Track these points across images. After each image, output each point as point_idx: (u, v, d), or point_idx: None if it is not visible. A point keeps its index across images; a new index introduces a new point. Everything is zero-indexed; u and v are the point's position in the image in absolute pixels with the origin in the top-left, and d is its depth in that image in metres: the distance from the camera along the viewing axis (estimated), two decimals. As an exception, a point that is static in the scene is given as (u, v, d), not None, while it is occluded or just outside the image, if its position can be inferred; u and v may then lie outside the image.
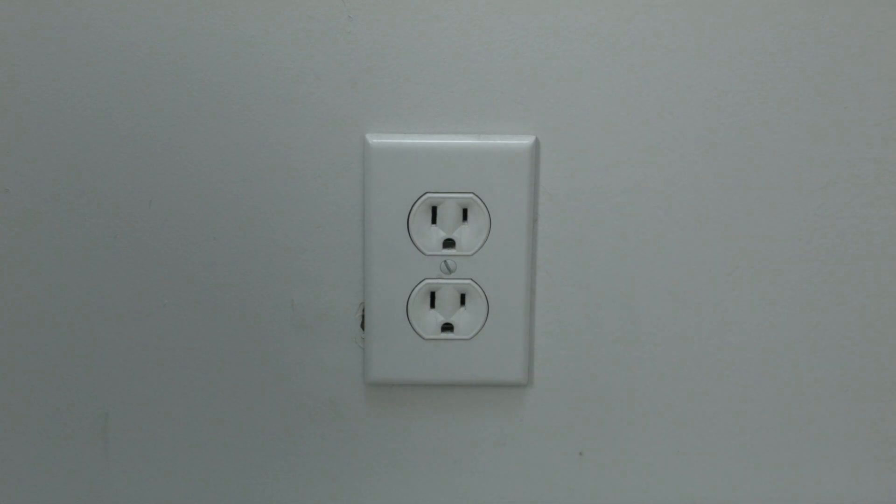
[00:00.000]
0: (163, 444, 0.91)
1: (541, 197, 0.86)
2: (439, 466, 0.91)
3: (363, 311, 0.88)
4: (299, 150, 0.85)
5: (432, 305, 0.87)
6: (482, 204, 0.85)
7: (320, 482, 0.92)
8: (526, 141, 0.85)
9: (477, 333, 0.88)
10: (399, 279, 0.87)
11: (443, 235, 0.86)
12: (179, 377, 0.89)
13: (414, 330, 0.88)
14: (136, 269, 0.87)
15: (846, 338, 0.89)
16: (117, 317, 0.88)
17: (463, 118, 0.85)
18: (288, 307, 0.88)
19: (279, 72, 0.84)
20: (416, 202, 0.85)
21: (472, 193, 0.85)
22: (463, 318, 0.87)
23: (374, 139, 0.85)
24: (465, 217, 0.86)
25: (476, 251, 0.86)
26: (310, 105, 0.84)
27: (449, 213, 0.86)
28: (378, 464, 0.91)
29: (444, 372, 0.88)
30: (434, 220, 0.86)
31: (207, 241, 0.87)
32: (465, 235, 0.86)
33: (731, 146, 0.85)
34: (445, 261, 0.86)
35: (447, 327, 0.88)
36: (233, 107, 0.84)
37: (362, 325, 0.88)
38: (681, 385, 0.90)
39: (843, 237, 0.87)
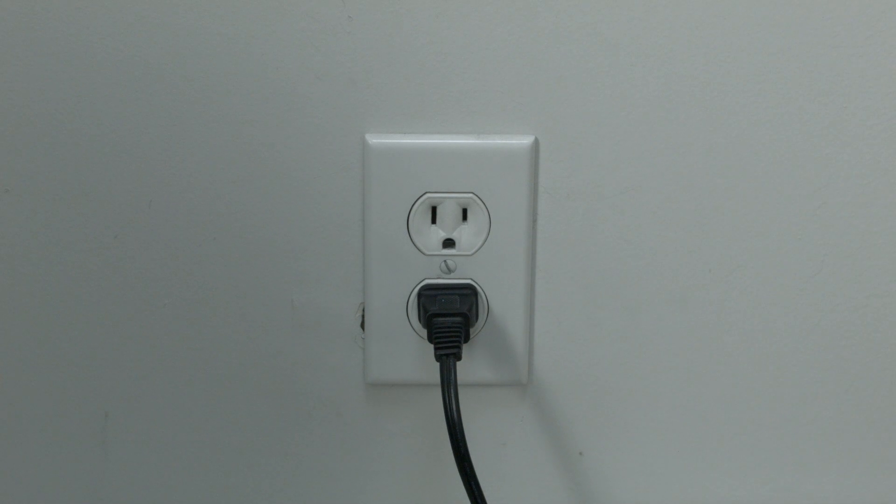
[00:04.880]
0: (163, 444, 0.91)
1: (540, 197, 0.86)
2: (439, 466, 0.91)
3: (363, 311, 0.88)
4: (299, 150, 0.85)
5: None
6: (482, 204, 0.85)
7: (320, 482, 0.92)
8: (525, 141, 0.85)
9: (477, 333, 0.88)
10: (399, 279, 0.87)
11: (443, 235, 0.86)
12: (179, 377, 0.89)
13: (414, 330, 0.88)
14: (136, 269, 0.87)
15: (846, 338, 0.89)
16: (118, 317, 0.88)
17: (463, 118, 0.85)
18: (288, 307, 0.88)
19: (279, 72, 0.84)
20: (415, 202, 0.85)
21: (472, 193, 0.85)
22: (463, 318, 0.87)
23: (374, 139, 0.85)
24: (464, 217, 0.86)
25: (476, 251, 0.86)
26: (310, 105, 0.84)
27: (449, 212, 0.86)
28: (378, 464, 0.91)
29: (444, 372, 0.88)
30: (434, 220, 0.86)
31: (207, 241, 0.87)
32: (465, 235, 0.86)
33: (731, 146, 0.85)
34: (445, 261, 0.86)
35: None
36: (233, 107, 0.84)
37: (362, 325, 0.88)
38: (681, 385, 0.90)
39: (843, 237, 0.87)
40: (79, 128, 0.84)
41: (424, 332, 0.86)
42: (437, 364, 0.84)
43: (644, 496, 0.92)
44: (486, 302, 0.87)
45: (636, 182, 0.86)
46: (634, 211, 0.86)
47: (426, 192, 0.85)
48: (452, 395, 0.82)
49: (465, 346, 0.86)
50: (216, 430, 0.90)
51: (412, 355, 0.88)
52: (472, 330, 0.87)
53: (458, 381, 0.83)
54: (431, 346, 0.85)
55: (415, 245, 0.86)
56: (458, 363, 0.84)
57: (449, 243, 0.86)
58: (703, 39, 0.83)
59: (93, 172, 0.85)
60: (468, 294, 0.86)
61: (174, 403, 0.90)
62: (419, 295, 0.87)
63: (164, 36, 0.83)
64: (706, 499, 0.92)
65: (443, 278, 0.87)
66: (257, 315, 0.88)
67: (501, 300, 0.87)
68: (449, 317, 0.85)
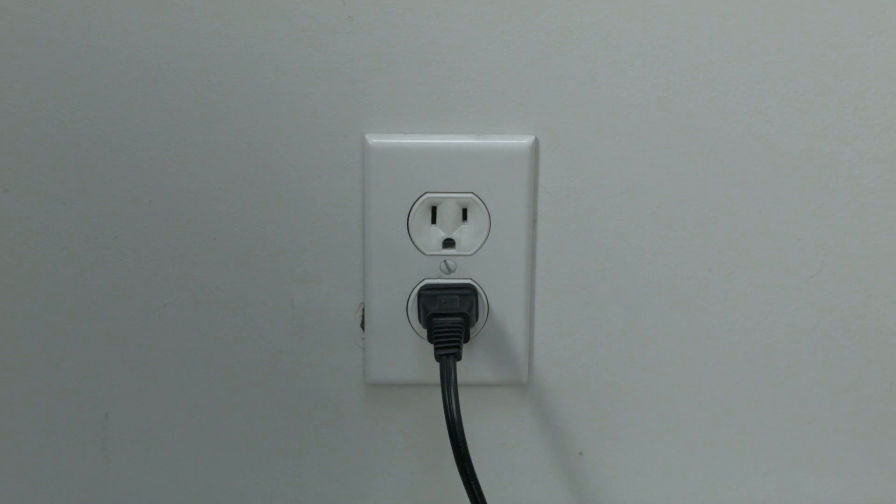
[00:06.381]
0: (163, 444, 0.91)
1: (540, 197, 0.86)
2: (439, 466, 0.91)
3: (363, 311, 0.88)
4: (299, 150, 0.85)
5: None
6: (482, 204, 0.85)
7: (320, 482, 0.92)
8: (525, 141, 0.85)
9: (477, 333, 0.88)
10: (399, 279, 0.87)
11: (443, 235, 0.86)
12: (179, 377, 0.89)
13: (414, 330, 0.88)
14: (136, 269, 0.87)
15: (846, 338, 0.89)
16: (117, 317, 0.88)
17: (463, 118, 0.85)
18: (288, 307, 0.88)
19: (279, 72, 0.84)
20: (415, 202, 0.85)
21: (472, 193, 0.85)
22: (463, 318, 0.87)
23: (374, 139, 0.85)
24: (464, 217, 0.86)
25: (476, 251, 0.86)
26: (310, 105, 0.84)
27: (449, 212, 0.86)
28: (378, 464, 0.91)
29: (444, 372, 0.88)
30: (434, 220, 0.86)
31: (207, 241, 0.87)
32: (465, 235, 0.86)
33: (731, 146, 0.85)
34: (445, 261, 0.86)
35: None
36: (233, 107, 0.84)
37: (362, 325, 0.88)
38: (681, 385, 0.90)
39: (843, 237, 0.87)
40: (79, 128, 0.84)
41: (424, 332, 0.86)
42: (437, 364, 0.84)
43: (644, 496, 0.92)
44: (486, 302, 0.87)
45: (636, 182, 0.86)
46: (634, 211, 0.86)
47: (426, 192, 0.85)
48: (452, 395, 0.82)
49: (465, 346, 0.86)
50: (216, 430, 0.90)
51: (412, 355, 0.88)
52: (472, 330, 0.87)
53: (458, 381, 0.83)
54: (431, 346, 0.85)
55: (415, 245, 0.86)
56: (458, 363, 0.84)
57: (449, 243, 0.86)
58: (703, 39, 0.83)
59: (93, 172, 0.85)
60: (468, 294, 0.86)
61: (174, 403, 0.90)
62: (419, 295, 0.87)
63: (164, 36, 0.83)
64: (706, 499, 0.92)
65: (443, 278, 0.87)
66: (257, 315, 0.88)
67: (501, 300, 0.87)
68: (449, 317, 0.85)
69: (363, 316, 0.88)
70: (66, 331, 0.88)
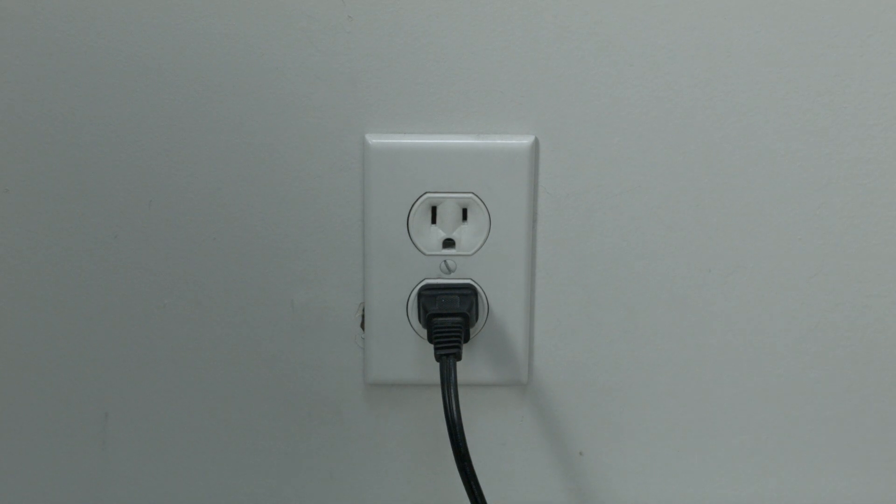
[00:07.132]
0: (162, 445, 0.91)
1: (540, 197, 0.86)
2: (439, 466, 0.91)
3: (363, 311, 0.88)
4: (299, 151, 0.85)
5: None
6: (482, 204, 0.85)
7: (320, 482, 0.92)
8: (525, 141, 0.85)
9: (477, 333, 0.88)
10: (399, 279, 0.87)
11: (443, 235, 0.86)
12: (179, 377, 0.89)
13: (414, 330, 0.88)
14: (136, 269, 0.87)
15: (846, 338, 0.89)
16: (117, 317, 0.88)
17: (463, 118, 0.85)
18: (288, 307, 0.88)
19: (279, 72, 0.84)
20: (415, 202, 0.85)
21: (472, 193, 0.85)
22: (463, 318, 0.87)
23: (374, 139, 0.85)
24: (464, 217, 0.86)
25: (476, 251, 0.86)
26: (310, 105, 0.84)
27: (449, 212, 0.86)
28: (378, 464, 0.91)
29: (444, 372, 0.88)
30: (434, 220, 0.86)
31: (207, 241, 0.87)
32: (465, 235, 0.86)
33: (731, 146, 0.85)
34: (445, 261, 0.86)
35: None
36: (232, 107, 0.84)
37: (362, 325, 0.88)
38: (681, 385, 0.90)
39: (843, 237, 0.87)
40: (79, 128, 0.84)
41: (424, 332, 0.86)
42: (437, 364, 0.84)
43: (644, 496, 0.92)
44: (486, 302, 0.87)
45: (636, 182, 0.86)
46: (634, 211, 0.86)
47: (426, 192, 0.85)
48: (452, 395, 0.82)
49: (465, 346, 0.86)
50: (216, 430, 0.91)
51: (412, 355, 0.88)
52: (472, 330, 0.87)
53: (458, 381, 0.83)
54: (431, 346, 0.85)
55: (415, 245, 0.86)
56: (458, 363, 0.84)
57: (449, 243, 0.86)
58: (702, 40, 0.83)
59: (93, 172, 0.85)
60: (468, 294, 0.86)
61: (174, 404, 0.90)
62: (419, 295, 0.87)
63: (164, 36, 0.83)
64: (706, 499, 0.92)
65: (443, 278, 0.87)
66: (257, 315, 0.88)
67: (501, 300, 0.87)
68: (449, 317, 0.85)
69: (363, 316, 0.88)
70: (66, 331, 0.88)
